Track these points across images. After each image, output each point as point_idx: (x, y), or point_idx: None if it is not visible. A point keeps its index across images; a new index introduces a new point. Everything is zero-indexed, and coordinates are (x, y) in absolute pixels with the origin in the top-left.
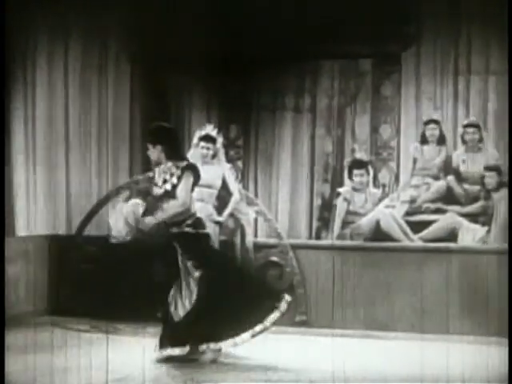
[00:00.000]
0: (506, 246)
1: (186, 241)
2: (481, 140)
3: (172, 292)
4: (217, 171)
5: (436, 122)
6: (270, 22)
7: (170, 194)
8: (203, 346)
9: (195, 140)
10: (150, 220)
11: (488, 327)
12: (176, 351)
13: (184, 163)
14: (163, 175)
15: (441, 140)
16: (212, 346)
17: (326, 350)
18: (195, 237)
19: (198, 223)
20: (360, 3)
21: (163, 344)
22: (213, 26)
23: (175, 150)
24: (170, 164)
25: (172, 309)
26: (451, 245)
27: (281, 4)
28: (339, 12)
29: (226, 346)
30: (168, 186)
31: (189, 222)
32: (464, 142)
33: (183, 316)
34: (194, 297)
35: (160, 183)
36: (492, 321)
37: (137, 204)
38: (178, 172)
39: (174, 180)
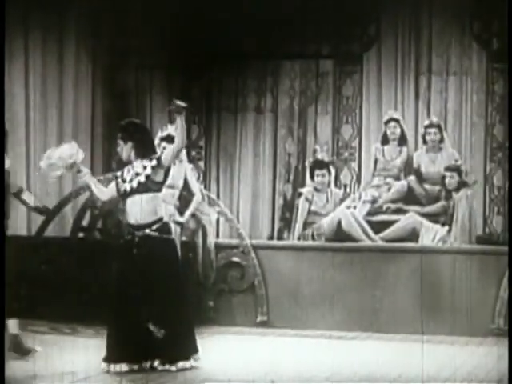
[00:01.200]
0: (466, 246)
1: (149, 245)
2: (442, 140)
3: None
4: (179, 171)
5: (396, 120)
6: (231, 23)
7: (145, 187)
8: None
9: (156, 140)
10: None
11: (452, 326)
12: (116, 367)
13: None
14: (133, 171)
15: (402, 140)
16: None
17: (287, 351)
18: (159, 242)
19: (164, 228)
20: (321, 3)
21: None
22: (174, 26)
23: (146, 148)
24: (139, 161)
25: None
26: (412, 245)
27: (241, 4)
28: (300, 12)
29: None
30: (142, 178)
31: (155, 226)
32: (425, 142)
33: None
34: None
35: (129, 178)
36: (456, 320)
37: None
38: (154, 162)
39: (149, 171)
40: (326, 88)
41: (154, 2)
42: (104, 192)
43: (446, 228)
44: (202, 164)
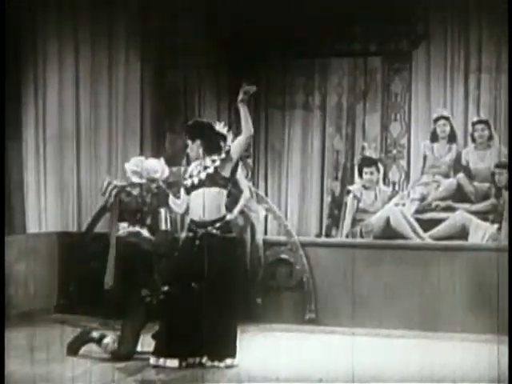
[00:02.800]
0: None
1: (211, 244)
2: (491, 137)
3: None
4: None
5: (446, 118)
6: (280, 21)
7: (213, 180)
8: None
9: None
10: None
11: (498, 326)
12: (167, 362)
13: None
14: (201, 166)
15: (451, 137)
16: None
17: (335, 348)
18: (221, 240)
19: (226, 226)
20: (370, 1)
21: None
22: (223, 24)
23: (213, 145)
24: (207, 158)
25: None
26: (461, 243)
27: (291, 2)
28: (348, 9)
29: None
30: (211, 170)
31: (217, 224)
32: (474, 139)
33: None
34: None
35: (196, 172)
36: (502, 320)
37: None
38: (223, 155)
39: (218, 163)
40: (375, 85)
41: (202, 1)
42: (179, 205)
43: (496, 226)
44: (250, 161)
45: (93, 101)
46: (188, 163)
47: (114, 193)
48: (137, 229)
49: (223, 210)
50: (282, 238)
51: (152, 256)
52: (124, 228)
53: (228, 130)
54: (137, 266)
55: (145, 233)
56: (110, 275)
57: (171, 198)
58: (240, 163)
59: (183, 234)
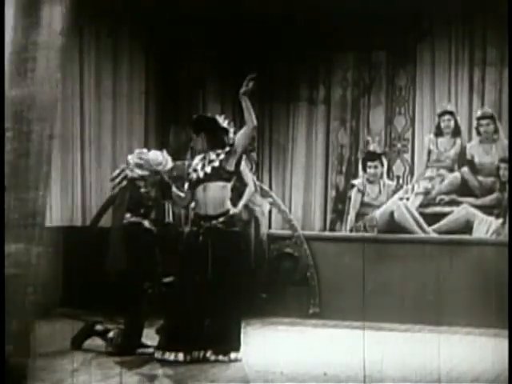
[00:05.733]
0: None
1: (215, 238)
2: (496, 131)
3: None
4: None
5: (451, 113)
6: (285, 14)
7: (217, 174)
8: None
9: None
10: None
11: (501, 320)
12: (171, 356)
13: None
14: (206, 160)
15: (456, 132)
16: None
17: (339, 342)
18: (226, 234)
19: (231, 221)
20: None
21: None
22: (227, 17)
23: (217, 139)
24: (210, 152)
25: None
26: (466, 237)
27: None
28: (353, 3)
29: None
30: (216, 163)
31: (222, 218)
32: (479, 133)
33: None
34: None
35: (200, 166)
36: (505, 314)
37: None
38: (227, 148)
39: (222, 156)
40: (379, 79)
41: None
42: (182, 198)
43: (501, 220)
44: (254, 155)
45: (97, 95)
46: (192, 157)
47: (123, 183)
48: (138, 220)
49: (227, 204)
50: (287, 232)
51: (153, 248)
52: (126, 218)
53: (229, 123)
54: (137, 257)
55: (146, 224)
56: (116, 259)
57: (174, 191)
58: (244, 157)
59: (187, 228)
